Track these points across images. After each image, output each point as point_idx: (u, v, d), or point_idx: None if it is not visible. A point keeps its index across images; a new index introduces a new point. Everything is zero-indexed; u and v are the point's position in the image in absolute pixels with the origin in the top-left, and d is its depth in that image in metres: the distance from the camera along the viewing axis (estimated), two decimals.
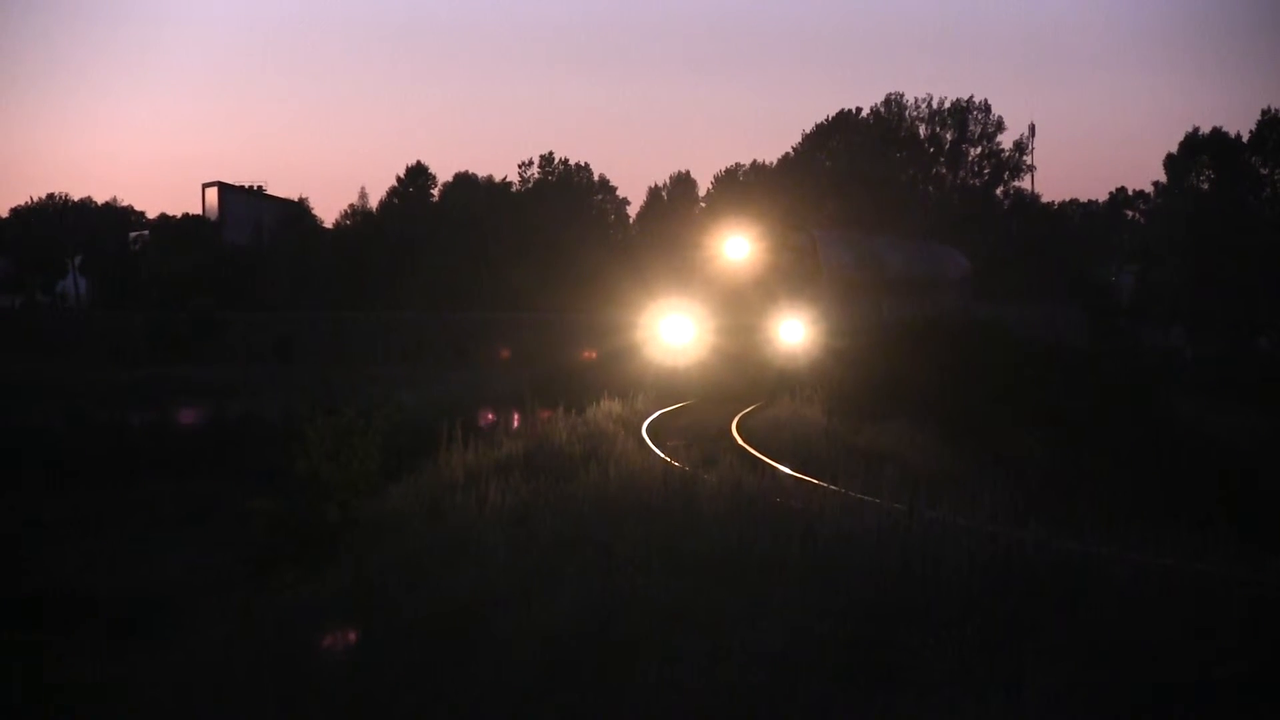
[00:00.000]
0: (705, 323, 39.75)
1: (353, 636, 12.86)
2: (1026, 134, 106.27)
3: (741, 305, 39.86)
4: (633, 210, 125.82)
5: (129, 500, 28.64)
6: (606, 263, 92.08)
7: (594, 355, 57.08)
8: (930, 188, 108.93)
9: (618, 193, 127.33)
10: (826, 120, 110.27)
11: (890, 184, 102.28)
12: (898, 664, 10.21)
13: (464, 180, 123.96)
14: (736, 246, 40.75)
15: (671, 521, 15.51)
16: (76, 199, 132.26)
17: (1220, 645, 9.79)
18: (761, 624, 11.25)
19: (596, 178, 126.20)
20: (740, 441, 26.56)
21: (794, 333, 39.17)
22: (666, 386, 37.43)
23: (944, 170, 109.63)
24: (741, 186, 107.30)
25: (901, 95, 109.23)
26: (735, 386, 37.57)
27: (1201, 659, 9.58)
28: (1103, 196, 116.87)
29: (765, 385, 37.19)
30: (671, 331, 40.01)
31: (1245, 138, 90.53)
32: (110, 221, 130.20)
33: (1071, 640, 10.22)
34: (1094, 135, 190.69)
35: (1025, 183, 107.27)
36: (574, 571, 13.58)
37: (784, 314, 39.34)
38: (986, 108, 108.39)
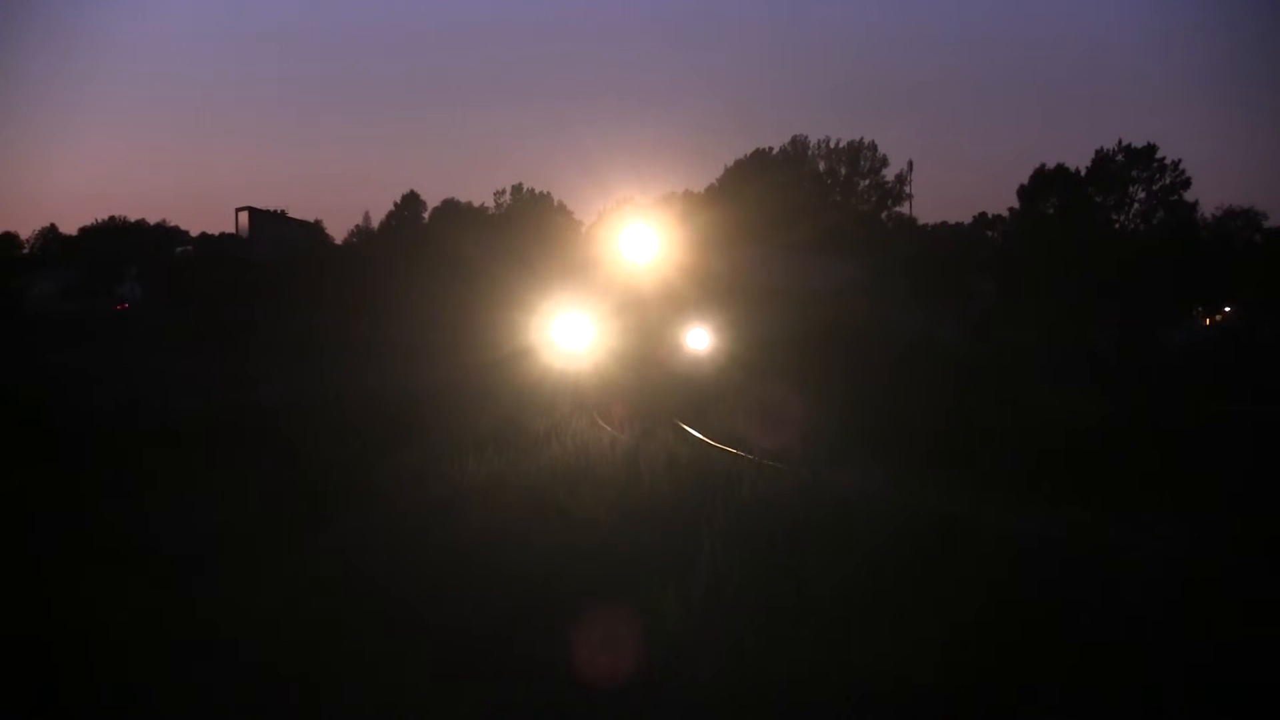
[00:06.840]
0: (601, 327, 31.78)
1: (353, 581, 12.50)
2: (906, 169, 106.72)
3: (639, 313, 32.59)
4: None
5: (171, 471, 27.88)
6: (562, 279, 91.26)
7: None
8: (830, 214, 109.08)
9: (574, 215, 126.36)
10: (745, 156, 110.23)
11: (798, 210, 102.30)
12: (801, 607, 10.00)
13: (449, 206, 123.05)
14: (634, 248, 33.86)
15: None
16: (133, 220, 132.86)
17: (1069, 600, 9.63)
18: (690, 573, 11.00)
19: (556, 203, 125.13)
20: None
21: (699, 340, 32.46)
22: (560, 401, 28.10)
23: (839, 199, 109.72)
24: (676, 210, 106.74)
25: (805, 136, 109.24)
26: (639, 399, 28.11)
27: (1050, 609, 9.44)
28: (968, 219, 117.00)
29: (678, 399, 28.26)
30: (566, 337, 31.49)
31: (1083, 171, 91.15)
32: (161, 239, 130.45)
33: (947, 587, 10.05)
34: (961, 168, 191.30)
35: (905, 208, 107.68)
36: (540, 527, 13.34)
37: (686, 322, 32.26)
38: (874, 147, 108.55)
